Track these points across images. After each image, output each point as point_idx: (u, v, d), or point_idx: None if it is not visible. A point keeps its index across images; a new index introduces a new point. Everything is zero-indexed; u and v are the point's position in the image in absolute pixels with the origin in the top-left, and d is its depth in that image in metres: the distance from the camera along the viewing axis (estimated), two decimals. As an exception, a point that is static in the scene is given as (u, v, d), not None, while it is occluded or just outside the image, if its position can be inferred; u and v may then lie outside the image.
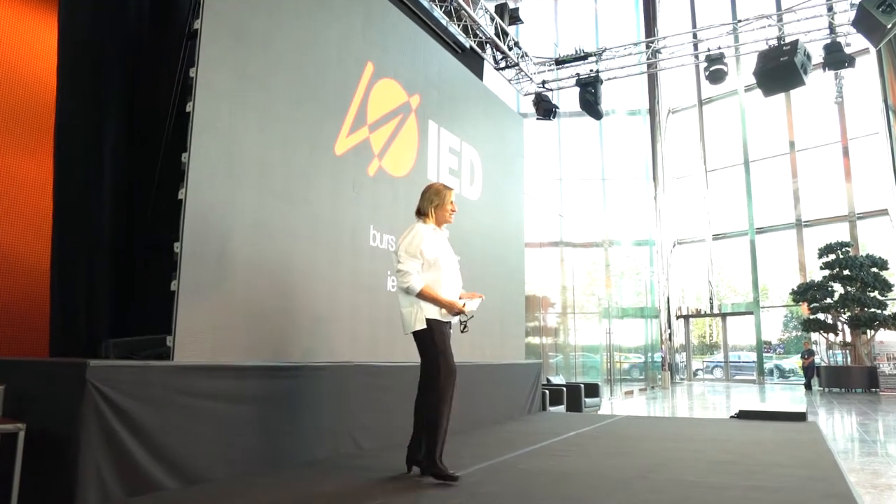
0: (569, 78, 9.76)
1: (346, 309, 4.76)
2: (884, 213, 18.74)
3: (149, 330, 3.92)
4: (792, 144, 21.97)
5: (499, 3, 8.82)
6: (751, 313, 22.64)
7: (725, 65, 8.85)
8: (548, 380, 10.30)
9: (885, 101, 16.45)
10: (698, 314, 24.69)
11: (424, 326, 3.62)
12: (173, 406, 3.40)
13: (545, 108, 9.64)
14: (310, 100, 4.55)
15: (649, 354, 21.22)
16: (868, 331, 17.16)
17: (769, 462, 4.24)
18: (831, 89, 19.54)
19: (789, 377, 22.95)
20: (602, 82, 9.39)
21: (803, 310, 19.33)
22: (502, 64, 9.35)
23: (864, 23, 7.43)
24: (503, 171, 7.62)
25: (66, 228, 4.05)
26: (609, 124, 21.21)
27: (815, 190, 21.42)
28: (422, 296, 3.61)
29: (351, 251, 4.86)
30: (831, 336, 18.59)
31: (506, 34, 8.96)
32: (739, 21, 8.93)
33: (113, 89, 4.25)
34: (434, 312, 3.64)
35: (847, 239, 18.87)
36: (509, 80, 9.68)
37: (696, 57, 9.08)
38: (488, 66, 9.40)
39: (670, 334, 23.58)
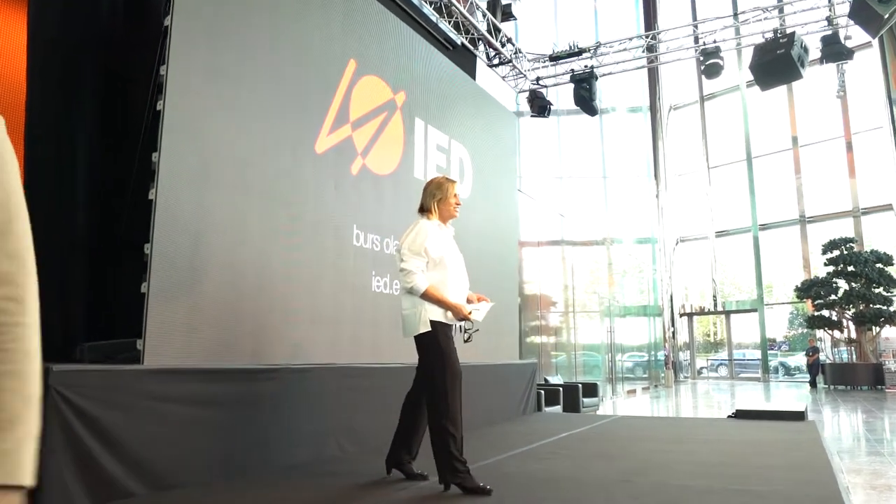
0: (564, 74, 9.64)
1: (328, 310, 4.67)
2: (888, 208, 18.56)
3: (126, 332, 3.85)
4: (795, 140, 21.79)
5: (491, -1, 8.73)
6: (755, 311, 22.46)
7: (721, 59, 8.72)
8: (545, 379, 10.21)
9: (889, 94, 16.27)
10: (702, 312, 24.53)
11: (428, 329, 3.40)
12: (143, 411, 3.33)
13: (539, 105, 9.53)
14: (288, 98, 4.46)
15: (652, 353, 21.07)
16: (873, 327, 16.98)
17: (761, 464, 4.13)
18: (834, 83, 19.38)
19: (794, 375, 22.75)
20: (597, 78, 9.28)
21: (808, 307, 19.15)
22: (496, 61, 9.25)
23: (862, 13, 7.30)
24: (495, 169, 7.52)
25: (38, 229, 3.95)
26: (610, 122, 21.09)
27: (819, 185, 21.23)
28: (427, 296, 3.41)
29: (333, 251, 4.77)
30: (836, 333, 18.41)
31: (498, 30, 8.85)
32: (737, 14, 8.79)
33: (86, 88, 4.17)
34: (439, 314, 3.44)
35: (851, 234, 18.69)
36: (503, 78, 9.57)
37: (696, 51, 8.94)
38: (485, 66, 9.30)
39: (673, 332, 23.44)
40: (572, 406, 9.13)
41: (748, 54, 8.53)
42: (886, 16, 6.87)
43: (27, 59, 3.90)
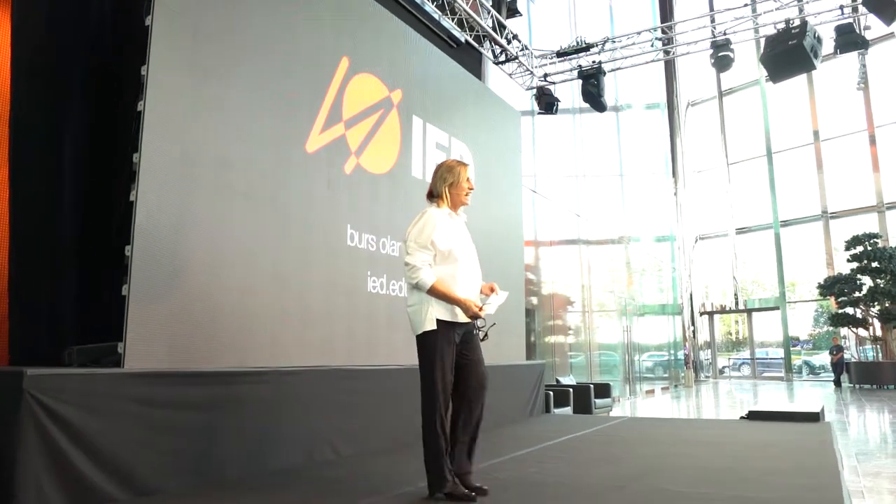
0: (572, 70, 9.50)
1: (320, 311, 4.60)
2: (913, 202, 18.10)
3: (117, 335, 3.80)
4: (816, 134, 21.35)
5: (496, -5, 8.61)
6: (777, 309, 22.04)
7: (732, 51, 8.51)
8: (557, 380, 10.05)
9: (912, 86, 15.82)
10: (723, 310, 24.14)
11: (433, 327, 3.16)
12: (124, 415, 3.27)
13: (547, 102, 9.39)
14: (277, 97, 4.40)
15: (672, 352, 20.75)
16: (899, 325, 16.56)
17: (766, 469, 3.97)
18: (855, 75, 18.95)
19: (819, 374, 22.27)
20: (605, 74, 9.11)
21: (832, 304, 18.74)
22: (502, 58, 9.13)
23: (875, 1, 7.06)
24: (498, 167, 7.40)
25: (26, 231, 3.93)
26: (626, 119, 20.79)
27: (842, 180, 20.77)
28: (433, 292, 3.15)
29: (325, 252, 4.70)
30: (861, 331, 17.99)
31: (503, 27, 8.73)
32: (755, 5, 8.56)
33: (73, 89, 4.12)
34: (446, 312, 3.19)
35: (875, 230, 18.24)
36: (510, 75, 9.44)
37: (712, 44, 8.73)
38: (492, 64, 9.18)
39: (694, 331, 23.10)
40: (584, 407, 8.97)
41: (766, 47, 8.27)
42: (902, 2, 6.63)
43: (11, 60, 3.87)
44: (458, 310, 3.21)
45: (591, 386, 9.30)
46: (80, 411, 3.07)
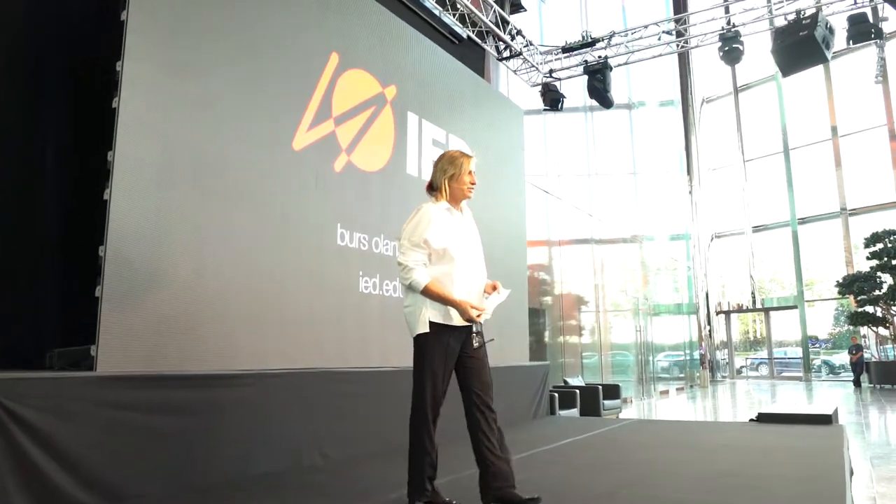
0: (578, 66, 9.33)
1: (307, 313, 4.48)
2: (935, 198, 17.67)
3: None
4: (834, 130, 20.93)
5: (500, -10, 8.47)
6: (795, 308, 21.65)
7: (742, 43, 8.29)
8: (565, 381, 9.88)
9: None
10: (740, 309, 23.77)
11: (426, 330, 2.98)
12: (98, 420, 3.18)
13: (552, 98, 9.23)
14: (261, 94, 4.30)
15: (687, 352, 20.45)
16: (920, 324, 16.16)
17: (769, 475, 3.80)
18: (873, 69, 18.54)
19: (839, 373, 21.83)
20: (611, 69, 8.93)
21: (851, 303, 18.34)
22: (506, 54, 8.98)
23: (890, -11, 6.83)
24: (499, 165, 7.26)
25: (5, 232, 3.86)
26: (640, 116, 20.53)
27: (861, 176, 20.34)
28: (428, 293, 2.97)
29: (314, 251, 4.59)
30: (881, 330, 17.58)
31: (506, 22, 8.59)
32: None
33: (52, 87, 4.05)
34: (440, 314, 2.99)
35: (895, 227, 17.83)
36: (514, 71, 9.29)
37: (720, 37, 8.51)
38: (499, 61, 9.04)
39: (710, 331, 22.77)
40: (592, 409, 8.80)
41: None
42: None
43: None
44: (454, 312, 3.01)
45: (600, 387, 9.12)
46: (49, 416, 2.98)
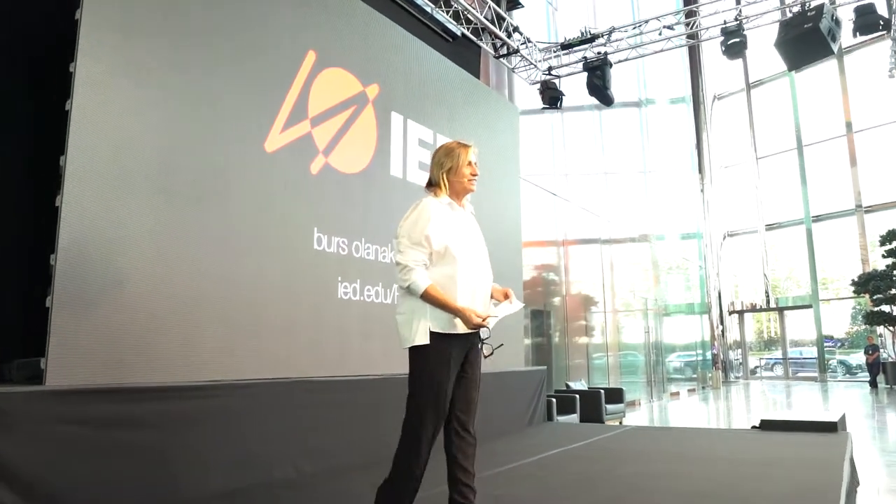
0: (578, 63, 9.12)
1: (282, 320, 4.33)
2: (953, 194, 17.22)
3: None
4: (849, 125, 20.52)
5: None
6: (810, 307, 21.24)
7: (744, 36, 8.04)
8: (567, 385, 9.68)
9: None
10: (753, 309, 23.39)
11: (425, 341, 2.65)
12: (49, 438, 3.04)
13: (551, 97, 9.02)
14: (229, 95, 4.14)
15: (699, 353, 20.13)
16: (938, 324, 15.75)
17: (760, 492, 3.59)
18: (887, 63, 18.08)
19: (856, 374, 21.39)
20: (611, 65, 8.70)
21: (867, 302, 17.93)
22: (503, 51, 8.79)
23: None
24: (493, 164, 7.07)
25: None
26: (651, 114, 20.23)
27: (877, 172, 19.90)
28: (428, 298, 2.65)
29: (287, 257, 4.43)
30: (897, 329, 17.19)
31: (502, 19, 8.40)
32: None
33: (18, 91, 3.92)
34: (441, 322, 2.67)
35: (912, 224, 17.41)
36: (512, 69, 9.10)
37: (722, 31, 8.26)
38: (495, 59, 8.85)
39: (723, 331, 22.41)
40: (594, 414, 8.58)
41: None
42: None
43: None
44: (457, 319, 2.68)
45: (602, 391, 8.89)
46: (-9, 433, 2.85)
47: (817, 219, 21.15)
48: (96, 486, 3.16)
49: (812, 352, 21.82)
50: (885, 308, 16.83)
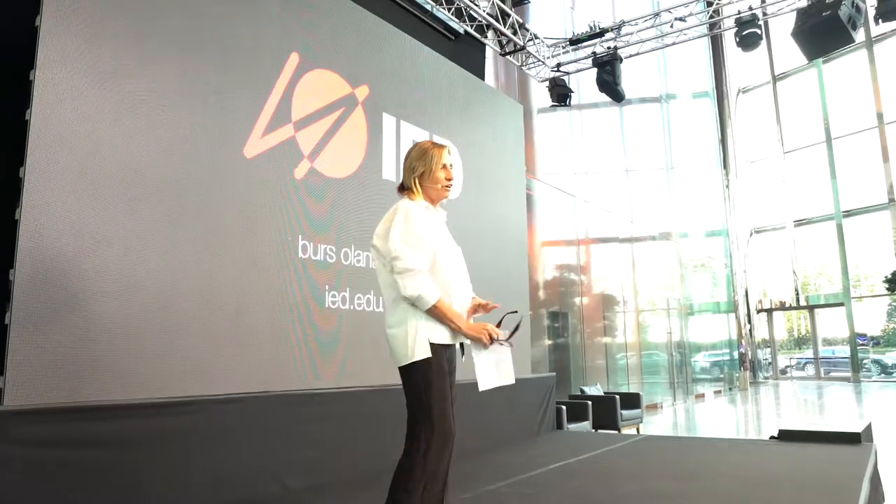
0: (587, 58, 8.85)
1: (264, 332, 4.18)
2: None
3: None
4: (880, 116, 19.83)
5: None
6: (842, 304, 20.58)
7: (759, 27, 7.71)
8: (581, 390, 9.41)
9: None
10: (782, 307, 22.76)
11: (428, 355, 2.37)
12: (8, 461, 2.92)
13: (560, 94, 8.77)
14: (204, 100, 4.00)
15: (726, 353, 19.63)
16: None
17: (765, 512, 3.33)
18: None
19: (892, 373, 20.68)
20: (621, 60, 8.42)
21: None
22: (509, 48, 8.57)
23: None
24: (494, 165, 6.86)
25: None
26: (673, 109, 19.81)
27: (910, 165, 19.19)
28: (436, 312, 2.37)
29: (269, 266, 4.27)
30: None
31: (507, 15, 8.17)
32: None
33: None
34: (442, 332, 2.42)
35: (948, 218, 16.74)
36: (520, 66, 8.87)
37: (735, 21, 7.92)
38: (501, 56, 8.63)
39: (750, 330, 21.84)
40: (609, 420, 8.31)
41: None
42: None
43: None
44: (445, 328, 2.43)
45: (617, 397, 8.61)
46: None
47: (848, 214, 20.49)
48: (56, 508, 3.03)
49: (845, 351, 21.14)
50: (920, 305, 16.20)
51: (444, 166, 2.63)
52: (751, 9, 7.67)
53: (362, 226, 4.97)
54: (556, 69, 9.02)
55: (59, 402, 3.17)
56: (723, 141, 21.88)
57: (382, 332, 2.55)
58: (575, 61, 9.02)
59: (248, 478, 3.86)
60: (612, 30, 8.55)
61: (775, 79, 22.80)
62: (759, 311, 22.78)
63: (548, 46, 9.00)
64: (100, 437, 3.22)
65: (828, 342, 22.33)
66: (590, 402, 8.00)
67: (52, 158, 3.26)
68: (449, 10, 7.46)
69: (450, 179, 2.65)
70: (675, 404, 14.37)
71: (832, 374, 21.69)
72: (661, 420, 11.50)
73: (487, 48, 8.45)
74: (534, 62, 8.99)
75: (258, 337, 4.14)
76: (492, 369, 2.51)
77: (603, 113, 13.51)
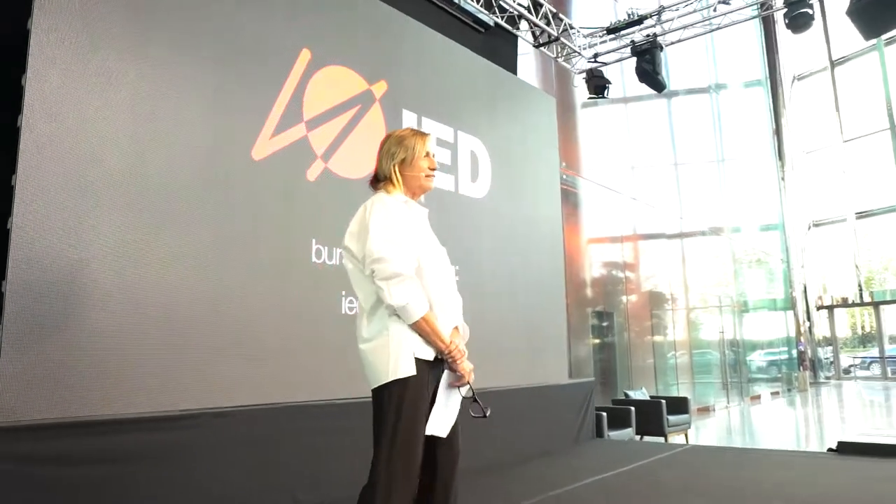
0: (626, 47, 8.45)
1: (274, 341, 4.00)
2: None
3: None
4: (949, 100, 18.61)
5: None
6: (909, 300, 19.44)
7: (811, 7, 7.18)
8: (625, 394, 9.00)
9: None
10: (844, 304, 21.63)
11: (412, 372, 2.05)
12: (3, 477, 2.81)
13: (597, 85, 8.39)
14: (208, 100, 3.85)
15: (784, 351, 18.77)
16: None
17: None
18: None
19: (969, 373, 19.43)
20: (662, 48, 8.00)
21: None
22: (542, 39, 8.24)
23: None
24: (525, 161, 6.56)
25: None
26: (723, 100, 19.06)
27: (983, 151, 17.96)
28: (421, 327, 2.07)
29: (281, 272, 4.10)
30: None
31: (539, 5, 7.86)
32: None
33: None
34: (427, 347, 2.11)
35: None
36: (555, 58, 8.54)
37: (785, 2, 7.42)
38: (535, 48, 8.32)
39: (810, 328, 20.84)
40: (654, 426, 7.91)
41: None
42: None
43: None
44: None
45: (663, 402, 8.19)
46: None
47: (915, 204, 19.33)
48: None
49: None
50: None
51: (428, 154, 2.34)
52: (799, -14, 7.16)
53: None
54: (593, 59, 8.65)
55: (53, 417, 3.05)
56: (777, 131, 20.94)
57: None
58: (613, 51, 8.62)
59: (258, 492, 3.69)
60: (651, 16, 8.13)
61: (833, 64, 21.68)
62: (819, 308, 21.73)
63: (584, 36, 8.64)
64: (97, 454, 3.09)
65: (895, 340, 21.14)
66: (633, 408, 7.62)
67: (45, 165, 3.15)
68: (477, 1, 7.19)
69: (433, 168, 2.35)
70: (728, 406, 13.76)
71: (900, 373, 20.53)
72: (713, 424, 10.98)
73: (520, 40, 8.15)
74: (570, 53, 8.64)
75: (268, 346, 3.97)
76: (442, 411, 2.14)
77: (649, 106, 13.08)
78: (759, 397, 15.63)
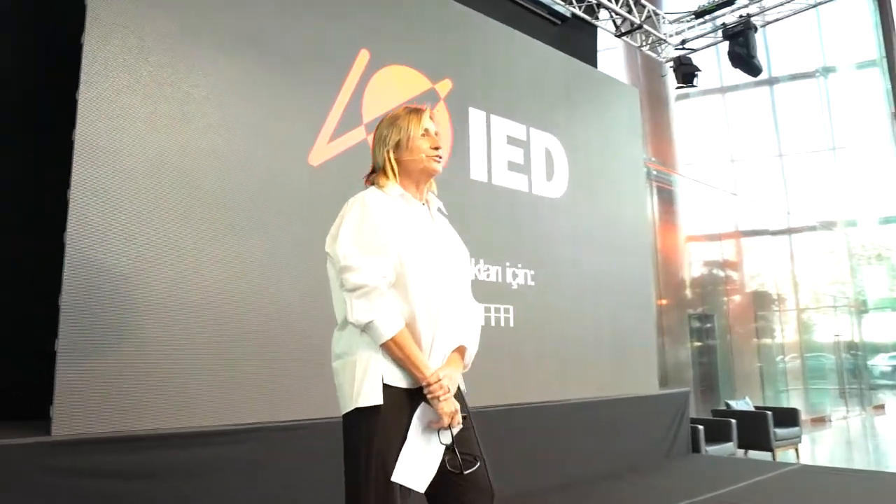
0: (715, 31, 7.87)
1: (328, 355, 3.85)
2: None
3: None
4: None
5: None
6: None
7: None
8: (726, 404, 8.35)
9: None
10: (983, 303, 19.45)
11: (378, 401, 1.72)
12: (57, 493, 2.81)
13: (685, 73, 7.84)
14: (261, 105, 3.77)
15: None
16: None
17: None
18: None
19: None
20: (756, 29, 7.38)
21: None
22: (624, 28, 7.80)
23: None
24: (606, 157, 6.17)
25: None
26: (833, 84, 17.65)
27: None
28: (392, 349, 1.74)
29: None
30: None
31: (620, -7, 7.43)
32: None
33: (46, 121, 3.79)
34: (396, 374, 1.77)
35: None
36: (639, 47, 8.07)
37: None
38: (617, 38, 7.91)
39: (943, 330, 18.88)
40: (760, 440, 7.27)
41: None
42: None
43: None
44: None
45: (769, 413, 7.51)
46: (-7, 492, 2.65)
47: None
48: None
49: None
50: None
51: (426, 131, 1.94)
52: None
53: (447, 233, 4.54)
54: (680, 46, 8.11)
55: (109, 431, 3.03)
56: (897, 114, 19.16)
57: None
58: (702, 35, 8.05)
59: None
60: (744, -5, 7.52)
61: (962, 37, 19.60)
62: (953, 308, 19.66)
63: (670, 23, 8.12)
64: (150, 468, 3.04)
65: None
66: (734, 421, 7.01)
67: (100, 178, 3.15)
68: (553, -8, 6.88)
69: (437, 147, 1.94)
70: (847, 417, 12.60)
71: None
72: (829, 438, 10.03)
73: (600, 31, 7.76)
74: (655, 41, 8.14)
75: (328, 359, 3.83)
76: (416, 459, 1.72)
77: (749, 94, 12.29)
78: (882, 407, 14.25)
